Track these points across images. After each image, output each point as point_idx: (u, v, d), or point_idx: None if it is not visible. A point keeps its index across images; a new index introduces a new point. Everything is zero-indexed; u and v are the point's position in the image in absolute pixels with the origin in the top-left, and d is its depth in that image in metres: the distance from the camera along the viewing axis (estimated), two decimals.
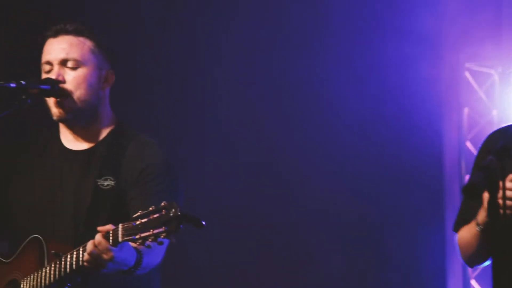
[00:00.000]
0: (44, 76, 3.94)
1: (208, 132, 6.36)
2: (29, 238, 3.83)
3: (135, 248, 3.59)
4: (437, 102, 6.20)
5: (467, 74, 6.24)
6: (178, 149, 5.97)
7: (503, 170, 3.08)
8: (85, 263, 3.57)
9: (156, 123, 6.19)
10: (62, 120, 3.93)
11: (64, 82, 3.89)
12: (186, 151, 6.14)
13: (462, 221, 3.55)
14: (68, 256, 3.64)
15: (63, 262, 3.66)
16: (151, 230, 3.38)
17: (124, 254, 3.55)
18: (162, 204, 3.39)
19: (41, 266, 3.76)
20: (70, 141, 4.00)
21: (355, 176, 6.24)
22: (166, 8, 6.29)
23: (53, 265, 3.70)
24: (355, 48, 6.21)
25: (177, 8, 6.32)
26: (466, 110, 6.23)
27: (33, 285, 3.77)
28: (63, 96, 3.88)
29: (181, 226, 3.34)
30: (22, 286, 3.82)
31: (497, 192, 3.06)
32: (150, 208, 3.41)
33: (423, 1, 6.10)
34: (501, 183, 3.07)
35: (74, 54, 3.91)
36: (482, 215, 3.38)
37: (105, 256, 3.51)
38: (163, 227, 3.35)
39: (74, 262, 3.61)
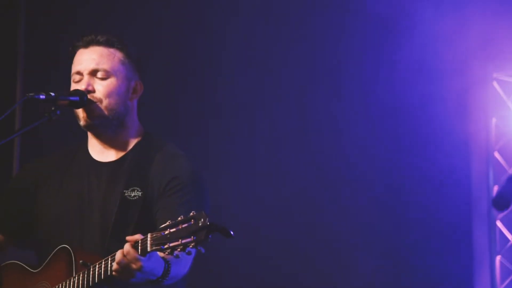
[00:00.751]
0: (73, 85, 3.97)
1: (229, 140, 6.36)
2: (57, 248, 3.85)
3: (163, 258, 3.60)
4: (465, 112, 6.17)
5: (495, 84, 6.21)
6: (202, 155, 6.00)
7: None
8: (113, 273, 3.58)
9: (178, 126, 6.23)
10: (89, 127, 3.96)
11: (93, 91, 3.93)
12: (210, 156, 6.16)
13: None
14: (97, 266, 3.65)
15: (91, 272, 3.67)
16: (180, 240, 3.38)
17: (152, 264, 3.55)
18: (191, 214, 3.39)
19: (69, 275, 3.78)
20: (98, 152, 4.02)
21: (382, 185, 6.22)
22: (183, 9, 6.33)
23: (81, 274, 3.72)
24: (380, 57, 6.19)
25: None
26: (494, 120, 6.20)
27: None
28: (91, 105, 3.91)
29: (210, 236, 3.35)
30: None
31: None
32: (179, 218, 3.41)
33: (451, 12, 6.08)
34: None
35: (105, 64, 3.94)
36: None
37: (133, 266, 3.52)
38: (192, 236, 3.35)
39: (102, 272, 3.63)
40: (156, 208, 3.86)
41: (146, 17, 6.28)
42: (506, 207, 3.08)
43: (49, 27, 6.26)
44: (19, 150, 6.09)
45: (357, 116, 6.22)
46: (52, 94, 3.85)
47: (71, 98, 3.89)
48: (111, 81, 3.95)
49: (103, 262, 3.63)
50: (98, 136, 4.01)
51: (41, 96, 3.84)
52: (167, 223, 3.44)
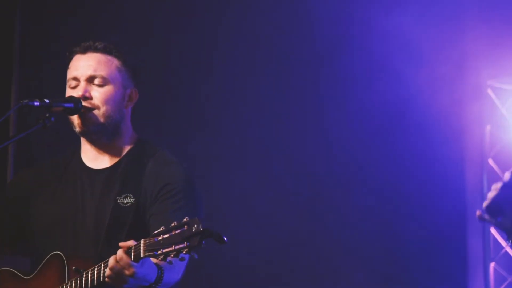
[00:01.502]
0: (69, 91, 3.98)
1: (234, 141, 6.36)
2: (50, 255, 3.85)
3: (156, 264, 3.60)
4: (460, 120, 6.17)
5: (489, 91, 6.22)
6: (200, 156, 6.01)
7: None
8: (106, 279, 3.58)
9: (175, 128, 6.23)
10: (84, 133, 3.97)
11: (90, 98, 3.93)
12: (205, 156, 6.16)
13: None
14: (90, 272, 3.65)
15: (84, 278, 3.67)
16: (173, 246, 3.37)
17: (145, 270, 3.55)
18: (184, 219, 3.39)
19: (62, 282, 3.78)
20: (91, 159, 4.03)
21: (376, 192, 6.22)
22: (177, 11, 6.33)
23: (74, 281, 3.72)
24: (374, 68, 6.20)
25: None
26: (488, 128, 6.21)
27: None
28: (87, 112, 3.92)
29: (203, 242, 3.35)
30: None
31: None
32: (172, 224, 3.41)
33: (445, 20, 6.09)
34: None
35: (102, 71, 3.96)
36: None
37: (126, 272, 3.52)
38: (185, 242, 3.35)
39: (95, 278, 3.62)
40: (149, 214, 3.87)
41: (139, 22, 6.27)
42: (499, 214, 3.08)
43: (44, 33, 6.26)
44: (13, 157, 6.09)
45: (351, 125, 6.23)
46: (47, 100, 3.86)
47: (66, 104, 3.89)
48: (108, 88, 3.96)
49: (96, 268, 3.63)
50: (93, 143, 4.02)
51: (35, 103, 3.84)
52: (161, 229, 3.44)
